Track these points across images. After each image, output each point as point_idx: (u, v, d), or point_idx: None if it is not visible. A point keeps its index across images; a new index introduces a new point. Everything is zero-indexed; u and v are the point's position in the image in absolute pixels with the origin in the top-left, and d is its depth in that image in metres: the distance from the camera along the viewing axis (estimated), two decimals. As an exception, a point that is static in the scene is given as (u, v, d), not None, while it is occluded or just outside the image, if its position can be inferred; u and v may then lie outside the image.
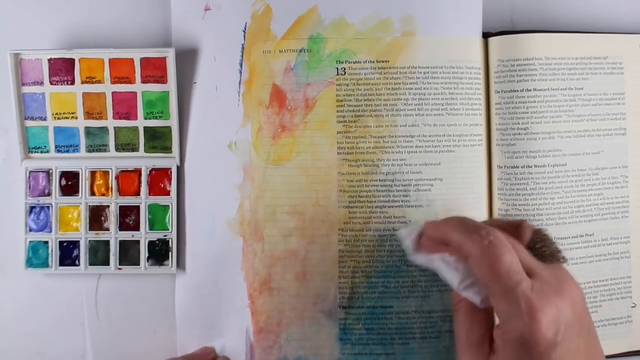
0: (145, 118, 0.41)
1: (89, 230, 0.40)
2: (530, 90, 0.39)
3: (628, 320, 0.41)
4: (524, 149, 0.39)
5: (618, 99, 0.41)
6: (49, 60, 0.40)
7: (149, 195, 0.40)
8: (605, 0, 0.43)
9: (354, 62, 0.39)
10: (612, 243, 0.40)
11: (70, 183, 0.41)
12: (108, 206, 0.41)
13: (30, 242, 0.40)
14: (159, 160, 0.41)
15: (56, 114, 0.41)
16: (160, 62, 0.40)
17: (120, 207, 0.41)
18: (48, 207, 0.40)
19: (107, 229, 0.40)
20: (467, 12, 0.40)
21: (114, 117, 0.41)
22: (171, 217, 0.40)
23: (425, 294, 0.38)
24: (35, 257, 0.40)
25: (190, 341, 0.40)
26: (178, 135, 0.40)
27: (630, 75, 0.41)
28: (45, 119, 0.41)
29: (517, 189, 0.39)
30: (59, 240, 0.40)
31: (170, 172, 0.40)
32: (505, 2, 0.42)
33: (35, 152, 0.41)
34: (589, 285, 0.40)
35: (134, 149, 0.41)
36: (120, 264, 0.40)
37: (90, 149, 0.41)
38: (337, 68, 0.39)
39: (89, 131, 0.41)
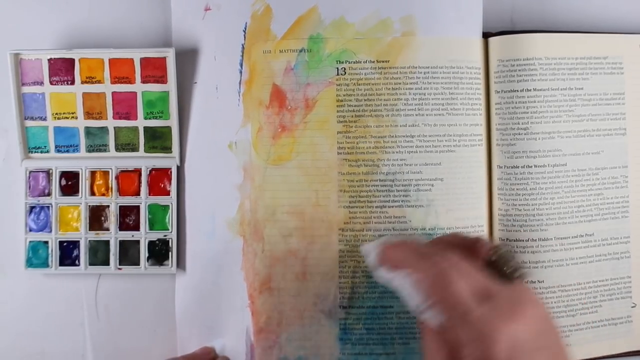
0: (145, 118, 0.41)
1: (89, 230, 0.40)
2: (530, 90, 0.39)
3: (628, 320, 0.41)
4: (524, 149, 0.39)
5: (618, 99, 0.41)
6: (49, 60, 0.40)
7: (149, 195, 0.40)
8: (605, 0, 0.43)
9: (354, 62, 0.39)
10: (612, 243, 0.40)
11: (70, 183, 0.41)
12: (108, 206, 0.41)
13: (30, 242, 0.40)
14: (159, 160, 0.41)
15: (56, 114, 0.41)
16: (160, 62, 0.40)
17: (120, 207, 0.40)
18: (48, 207, 0.40)
19: (107, 229, 0.40)
20: (467, 12, 0.40)
21: (114, 117, 0.41)
22: (171, 217, 0.40)
23: (426, 294, 0.38)
24: (35, 257, 0.40)
25: (190, 341, 0.40)
26: (178, 135, 0.40)
27: (630, 75, 0.41)
28: (45, 119, 0.41)
29: (517, 189, 0.39)
30: (59, 240, 0.40)
31: (170, 172, 0.40)
32: (505, 2, 0.42)
33: (35, 152, 0.41)
34: (589, 285, 0.40)
35: (134, 149, 0.41)
36: (120, 264, 0.40)
37: (90, 149, 0.41)
38: (337, 68, 0.39)
39: (89, 131, 0.41)
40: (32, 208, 0.41)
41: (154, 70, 0.40)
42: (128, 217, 0.41)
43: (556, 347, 0.30)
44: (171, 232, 0.40)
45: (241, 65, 0.39)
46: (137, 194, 0.40)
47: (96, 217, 0.41)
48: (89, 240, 0.40)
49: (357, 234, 0.39)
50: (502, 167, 0.40)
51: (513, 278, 0.31)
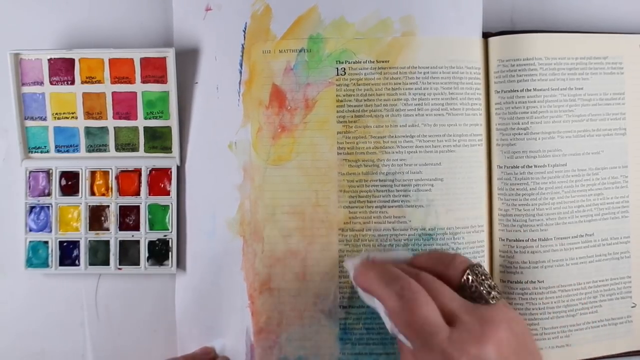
0: (145, 118, 0.41)
1: (89, 230, 0.40)
2: (530, 90, 0.39)
3: (628, 320, 0.41)
4: (524, 149, 0.39)
5: (618, 99, 0.41)
6: (49, 60, 0.40)
7: (149, 195, 0.40)
8: (605, 0, 0.43)
9: (354, 62, 0.39)
10: (612, 243, 0.40)
11: (70, 183, 0.41)
12: (108, 206, 0.41)
13: (30, 242, 0.40)
14: (159, 160, 0.41)
15: (56, 114, 0.41)
16: (160, 62, 0.40)
17: (120, 207, 0.41)
18: (48, 207, 0.40)
19: (107, 229, 0.40)
20: (467, 12, 0.40)
21: (114, 117, 0.41)
22: (171, 217, 0.40)
23: (425, 294, 0.38)
24: (35, 257, 0.40)
25: (190, 341, 0.40)
26: (178, 135, 0.40)
27: (630, 75, 0.41)
28: (45, 119, 0.41)
29: (517, 189, 0.39)
30: (59, 240, 0.40)
31: (170, 172, 0.40)
32: (505, 2, 0.42)
33: (35, 152, 0.41)
34: (589, 285, 0.40)
35: (134, 149, 0.41)
36: (120, 264, 0.40)
37: (90, 149, 0.41)
38: (337, 68, 0.39)
39: (89, 131, 0.41)
40: (32, 208, 0.41)
41: (154, 70, 0.40)
42: (128, 217, 0.41)
43: None
44: (171, 232, 0.40)
45: (241, 65, 0.39)
46: (137, 194, 0.40)
47: (96, 217, 0.41)
48: (89, 240, 0.40)
49: (357, 234, 0.39)
50: (502, 167, 0.40)
51: (489, 298, 0.32)
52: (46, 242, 0.40)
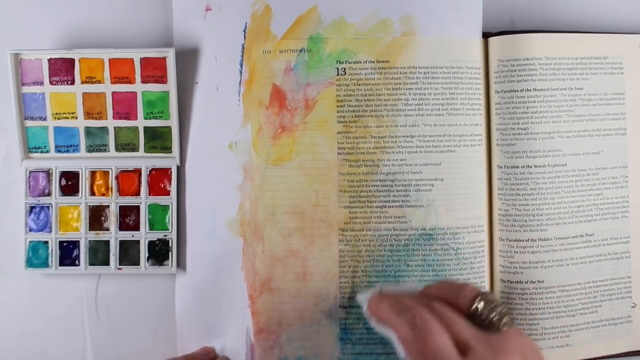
0: (145, 118, 0.41)
1: (89, 230, 0.40)
2: (530, 90, 0.39)
3: (628, 320, 0.41)
4: (524, 149, 0.39)
5: (618, 99, 0.41)
6: (49, 60, 0.40)
7: (149, 195, 0.40)
8: (605, 0, 0.43)
9: (354, 62, 0.39)
10: (612, 243, 0.40)
11: (70, 183, 0.41)
12: (108, 206, 0.41)
13: (30, 242, 0.40)
14: (159, 160, 0.41)
15: (56, 114, 0.41)
16: (160, 62, 0.40)
17: (120, 207, 0.40)
18: (48, 207, 0.40)
19: (107, 229, 0.40)
20: (467, 12, 0.40)
21: (114, 117, 0.41)
22: (171, 217, 0.40)
23: (426, 294, 0.38)
24: (35, 257, 0.40)
25: (190, 341, 0.40)
26: (178, 135, 0.40)
27: (630, 75, 0.41)
28: (45, 119, 0.41)
29: (517, 189, 0.39)
30: (59, 240, 0.40)
31: (170, 172, 0.40)
32: (505, 2, 0.42)
33: (35, 152, 0.41)
34: (589, 285, 0.40)
35: (134, 149, 0.41)
36: (120, 264, 0.40)
37: (90, 149, 0.41)
38: (337, 68, 0.39)
39: (89, 131, 0.41)
40: (32, 208, 0.41)
41: (154, 70, 0.40)
42: (128, 217, 0.41)
43: None
44: (171, 232, 0.40)
45: (241, 65, 0.39)
46: (137, 194, 0.40)
47: (96, 217, 0.41)
48: (89, 240, 0.40)
49: (357, 234, 0.39)
50: (502, 167, 0.40)
51: (500, 326, 0.31)
52: (46, 242, 0.40)
